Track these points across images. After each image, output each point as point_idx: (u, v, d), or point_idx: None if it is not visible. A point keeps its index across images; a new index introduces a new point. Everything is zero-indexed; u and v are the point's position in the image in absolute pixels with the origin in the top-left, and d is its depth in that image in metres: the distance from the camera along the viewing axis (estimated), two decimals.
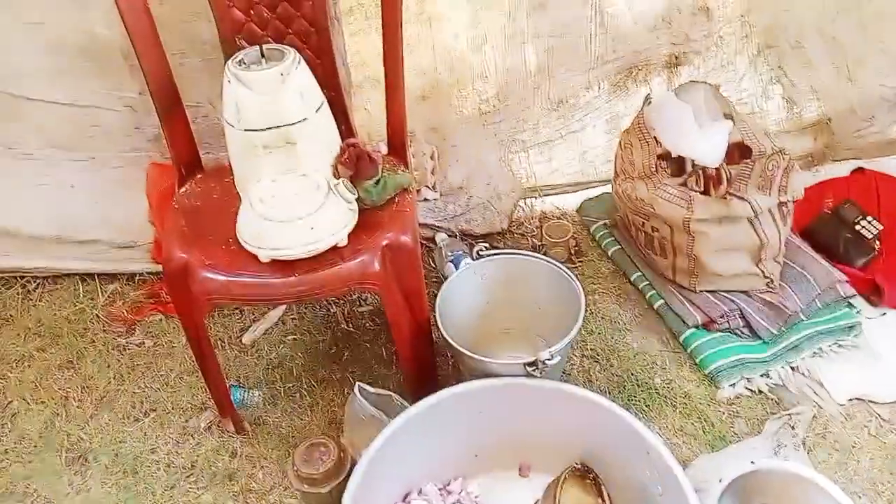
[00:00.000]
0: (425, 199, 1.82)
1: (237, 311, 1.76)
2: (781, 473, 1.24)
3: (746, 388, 1.49)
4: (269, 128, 1.19)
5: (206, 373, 1.44)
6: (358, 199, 1.26)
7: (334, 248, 1.22)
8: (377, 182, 1.29)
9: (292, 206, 1.19)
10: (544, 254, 1.60)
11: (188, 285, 1.24)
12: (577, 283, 1.41)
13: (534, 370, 1.30)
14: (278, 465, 1.43)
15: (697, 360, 1.53)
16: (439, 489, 1.31)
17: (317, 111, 1.24)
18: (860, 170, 1.93)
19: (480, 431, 1.32)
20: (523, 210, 1.95)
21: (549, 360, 1.28)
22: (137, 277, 1.84)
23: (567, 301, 1.42)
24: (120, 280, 1.84)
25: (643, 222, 1.62)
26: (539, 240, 1.85)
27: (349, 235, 1.23)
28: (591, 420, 1.26)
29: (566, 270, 1.45)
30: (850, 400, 1.47)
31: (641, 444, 1.19)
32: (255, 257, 1.21)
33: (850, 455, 1.38)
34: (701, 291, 1.59)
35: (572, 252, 1.82)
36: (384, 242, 1.24)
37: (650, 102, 1.64)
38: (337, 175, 1.26)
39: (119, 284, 1.83)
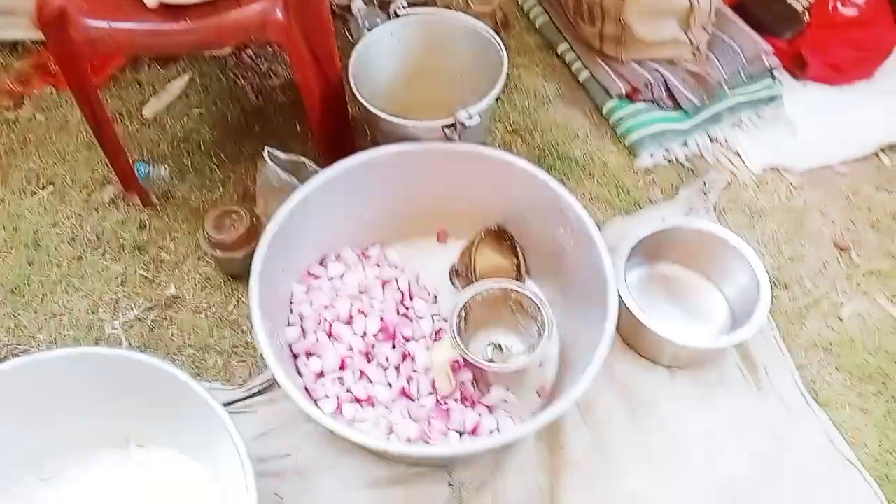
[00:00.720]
0: None
1: (136, 84, 1.62)
2: (690, 231, 1.27)
3: (665, 158, 1.49)
4: None
5: (106, 146, 1.35)
6: None
7: None
8: None
9: None
10: None
11: (68, 36, 1.11)
12: (499, 42, 1.34)
13: (452, 133, 1.25)
14: (190, 237, 1.38)
15: (619, 131, 1.52)
16: (357, 255, 1.30)
17: None
18: None
19: (398, 198, 1.30)
20: None
21: (468, 119, 1.23)
22: (20, 46, 1.66)
23: (491, 68, 1.34)
24: (1, 50, 1.66)
25: None
26: (464, 10, 1.73)
27: None
28: (509, 183, 1.25)
29: (488, 30, 1.36)
30: (765, 169, 1.50)
31: (557, 204, 1.19)
32: (141, 2, 1.08)
33: (758, 218, 1.43)
34: (628, 61, 1.54)
35: (499, 24, 1.72)
36: None
37: None
38: None
39: (0, 55, 1.66)
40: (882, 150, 1.54)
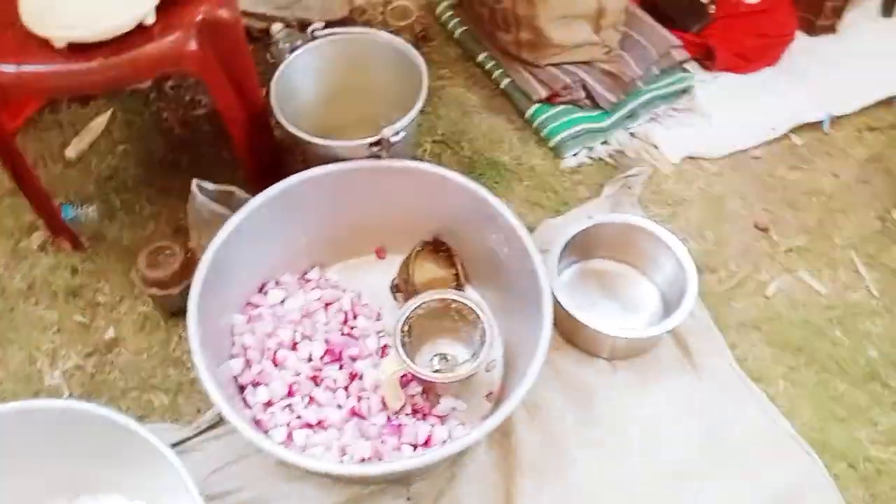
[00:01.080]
0: None
1: (56, 125, 1.59)
2: (616, 225, 1.32)
3: (588, 157, 1.54)
4: None
5: (28, 191, 1.32)
6: None
7: (141, 28, 1.09)
8: None
9: None
10: None
11: None
12: (418, 54, 1.36)
13: (379, 150, 1.27)
14: (125, 277, 1.36)
15: (543, 134, 1.56)
16: (297, 279, 1.30)
17: None
18: None
19: (333, 218, 1.31)
20: None
21: (394, 137, 1.25)
22: None
23: (413, 82, 1.36)
24: None
25: None
26: (383, 27, 1.75)
27: (157, 12, 1.10)
28: (440, 194, 1.27)
29: (406, 45, 1.39)
30: (683, 159, 1.57)
31: (487, 211, 1.22)
32: (49, 43, 1.07)
33: (680, 207, 1.49)
34: (546, 66, 1.59)
35: (418, 37, 1.75)
36: (199, 18, 1.12)
37: None
38: None
39: None
40: (792, 131, 1.62)
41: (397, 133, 1.25)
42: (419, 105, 1.31)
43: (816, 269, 1.40)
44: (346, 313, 1.25)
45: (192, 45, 1.11)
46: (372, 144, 1.26)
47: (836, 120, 1.64)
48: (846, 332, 1.31)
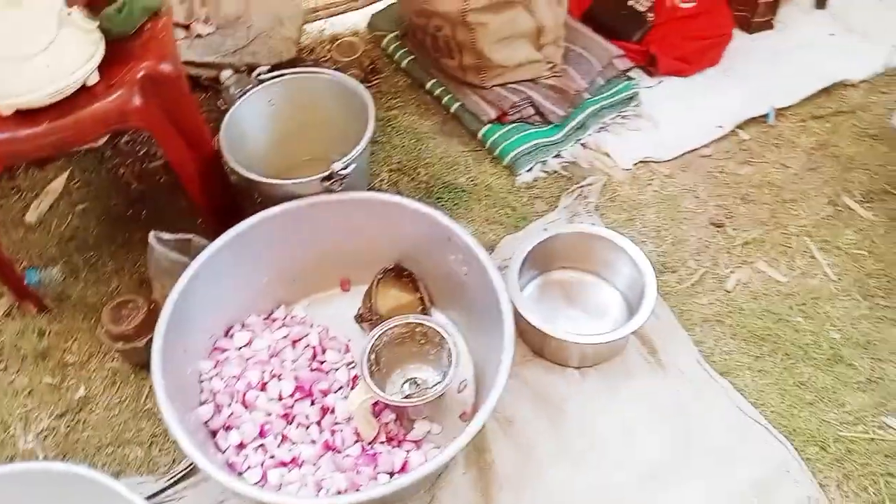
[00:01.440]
0: (198, 36, 1.68)
1: (14, 190, 1.60)
2: (572, 235, 1.35)
3: (542, 171, 1.57)
4: None
5: None
6: (103, 30, 1.13)
7: (85, 89, 1.11)
8: (121, 8, 1.16)
9: (18, 44, 1.05)
10: None
11: None
12: (363, 88, 1.39)
13: (332, 184, 1.29)
14: (91, 335, 1.36)
15: (496, 154, 1.59)
16: (263, 318, 1.31)
17: None
18: None
19: (293, 256, 1.32)
20: (311, 34, 1.86)
21: (343, 170, 1.27)
22: None
23: (361, 116, 1.39)
24: None
25: (426, 23, 1.59)
26: (332, 64, 1.78)
27: (101, 72, 1.12)
28: (398, 222, 1.29)
29: (350, 79, 1.41)
30: (636, 164, 1.60)
31: (444, 233, 1.24)
32: None
33: (637, 211, 1.52)
34: (492, 87, 1.62)
35: (367, 71, 1.78)
36: (141, 74, 1.14)
37: None
38: (70, 3, 1.12)
39: None
40: (739, 126, 1.66)
41: (346, 166, 1.27)
42: (367, 136, 1.33)
43: (774, 259, 1.43)
44: (314, 348, 1.26)
45: (137, 101, 1.13)
46: (324, 179, 1.28)
47: (780, 112, 1.68)
48: (807, 318, 1.33)
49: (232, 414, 1.14)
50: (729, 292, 1.38)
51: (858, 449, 1.17)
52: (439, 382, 1.19)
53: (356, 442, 1.15)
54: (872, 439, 1.18)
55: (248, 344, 1.24)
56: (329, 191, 1.29)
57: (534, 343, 1.28)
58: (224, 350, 1.23)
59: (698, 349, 1.29)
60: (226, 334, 1.27)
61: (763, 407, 1.22)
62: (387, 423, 1.17)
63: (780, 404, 1.23)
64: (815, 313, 1.34)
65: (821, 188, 1.55)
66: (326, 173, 1.27)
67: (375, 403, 1.17)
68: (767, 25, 1.86)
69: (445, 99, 1.68)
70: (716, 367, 1.27)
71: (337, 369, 1.24)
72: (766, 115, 1.67)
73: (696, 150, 1.62)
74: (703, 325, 1.33)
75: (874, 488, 1.13)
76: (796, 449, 1.16)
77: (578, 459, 1.15)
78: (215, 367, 1.21)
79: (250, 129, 1.43)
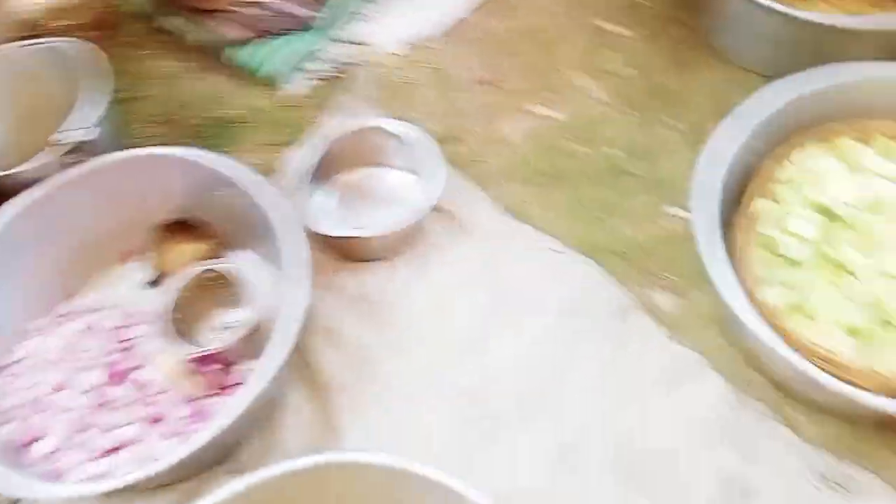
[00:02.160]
0: None
1: None
2: (353, 134, 1.33)
3: (308, 79, 1.51)
4: None
5: None
6: None
7: None
8: None
9: None
10: None
11: None
12: (89, 46, 1.29)
13: (77, 157, 1.19)
14: None
15: (257, 73, 1.50)
16: (49, 319, 1.21)
17: None
18: None
19: (58, 246, 1.21)
20: (26, 6, 1.67)
21: (83, 136, 1.17)
22: None
23: (100, 78, 1.27)
24: None
25: None
26: (53, 32, 1.61)
27: None
28: (163, 174, 1.23)
29: (72, 42, 1.30)
30: (403, 46, 1.56)
31: (210, 173, 1.19)
32: None
33: (414, 91, 1.49)
34: (230, 7, 1.51)
35: (99, 27, 1.62)
36: None
37: None
38: None
39: None
40: None
41: (84, 130, 1.17)
42: (96, 97, 1.22)
43: (549, 100, 1.45)
44: (114, 329, 1.18)
45: None
46: (64, 155, 1.18)
47: None
48: (588, 143, 1.37)
49: (35, 424, 1.07)
50: (512, 143, 1.40)
51: (651, 248, 1.23)
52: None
53: (185, 403, 1.11)
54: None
55: (35, 350, 1.15)
56: (72, 164, 1.18)
57: (339, 249, 1.26)
58: (8, 366, 1.14)
59: (495, 205, 1.31)
60: (9, 350, 1.17)
61: (561, 237, 1.26)
62: (208, 374, 1.12)
63: (574, 227, 1.27)
64: (594, 138, 1.38)
65: (582, 20, 1.57)
66: (67, 147, 1.16)
67: (197, 360, 1.13)
68: None
69: (190, 33, 1.56)
70: (515, 216, 1.29)
71: (144, 342, 1.17)
72: None
73: (465, 18, 1.60)
74: (497, 180, 1.35)
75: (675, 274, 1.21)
76: (600, 264, 1.22)
77: (403, 347, 1.16)
78: (9, 384, 1.11)
79: None
